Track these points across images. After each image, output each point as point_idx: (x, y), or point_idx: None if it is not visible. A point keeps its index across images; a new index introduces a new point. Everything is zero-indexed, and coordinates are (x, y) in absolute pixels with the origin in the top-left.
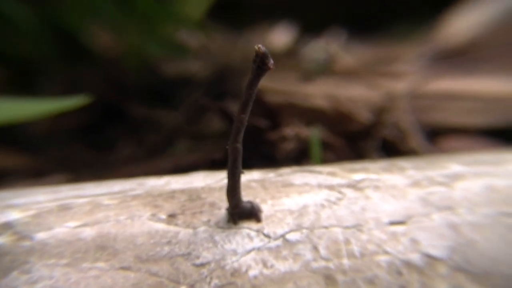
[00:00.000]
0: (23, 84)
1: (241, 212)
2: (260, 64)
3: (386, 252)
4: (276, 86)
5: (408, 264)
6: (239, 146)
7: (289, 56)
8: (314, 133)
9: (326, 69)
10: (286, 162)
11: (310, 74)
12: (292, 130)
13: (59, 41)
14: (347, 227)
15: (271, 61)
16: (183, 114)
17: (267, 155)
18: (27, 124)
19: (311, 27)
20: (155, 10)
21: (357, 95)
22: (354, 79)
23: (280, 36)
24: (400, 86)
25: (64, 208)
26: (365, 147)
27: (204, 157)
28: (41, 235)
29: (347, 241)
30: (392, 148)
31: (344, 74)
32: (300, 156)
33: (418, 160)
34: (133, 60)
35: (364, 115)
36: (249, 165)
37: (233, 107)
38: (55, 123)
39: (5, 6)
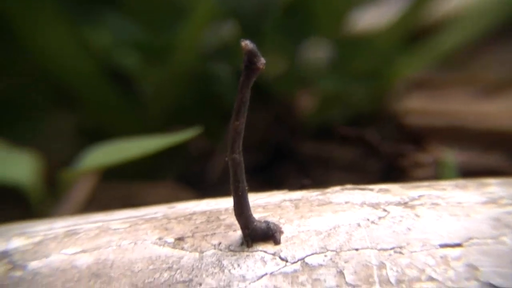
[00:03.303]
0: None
1: (254, 234)
2: (248, 63)
3: (431, 279)
4: (438, 106)
5: None
6: (237, 156)
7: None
8: (447, 158)
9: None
10: None
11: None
12: (430, 156)
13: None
14: (383, 249)
15: (262, 60)
16: (353, 149)
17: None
18: (204, 165)
19: None
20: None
21: None
22: None
23: None
24: None
25: (70, 234)
26: None
27: None
28: (34, 264)
29: (381, 265)
30: None
31: None
32: None
33: None
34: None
35: None
36: None
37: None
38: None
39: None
